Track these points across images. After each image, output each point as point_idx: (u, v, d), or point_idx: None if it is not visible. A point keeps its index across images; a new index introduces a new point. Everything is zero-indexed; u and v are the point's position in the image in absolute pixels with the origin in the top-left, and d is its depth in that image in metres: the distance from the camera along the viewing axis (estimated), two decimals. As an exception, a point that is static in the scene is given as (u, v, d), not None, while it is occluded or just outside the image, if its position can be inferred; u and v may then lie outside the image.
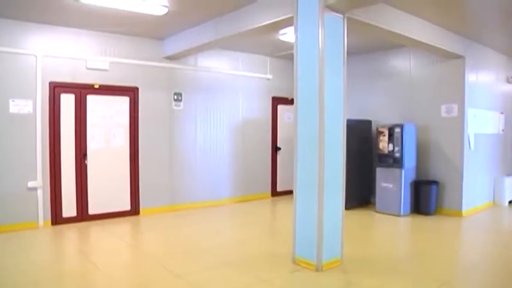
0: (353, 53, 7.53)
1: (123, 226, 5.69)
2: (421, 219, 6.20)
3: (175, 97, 6.73)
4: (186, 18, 5.34)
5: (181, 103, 6.83)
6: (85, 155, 5.79)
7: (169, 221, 6.06)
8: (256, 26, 4.69)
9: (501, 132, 7.60)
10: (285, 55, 7.84)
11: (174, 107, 6.77)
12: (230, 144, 7.55)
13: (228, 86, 7.55)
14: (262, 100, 8.11)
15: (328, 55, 3.87)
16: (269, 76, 8.00)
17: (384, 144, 6.52)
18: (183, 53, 6.19)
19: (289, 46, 6.90)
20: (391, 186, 6.43)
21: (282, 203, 7.64)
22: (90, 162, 5.83)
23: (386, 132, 6.50)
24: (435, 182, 6.49)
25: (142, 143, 6.44)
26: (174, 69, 6.75)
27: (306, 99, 3.96)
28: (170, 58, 6.60)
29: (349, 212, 6.71)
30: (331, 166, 3.94)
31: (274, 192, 8.28)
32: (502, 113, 7.60)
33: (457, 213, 6.40)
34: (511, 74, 8.00)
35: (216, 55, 7.33)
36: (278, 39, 6.52)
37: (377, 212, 6.66)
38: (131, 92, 6.26)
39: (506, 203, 7.26)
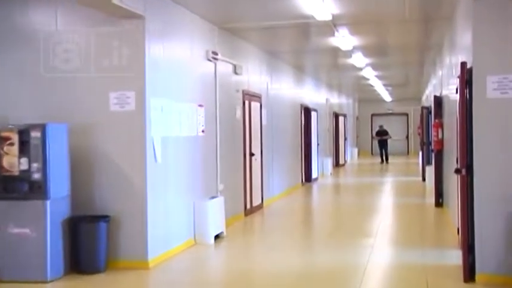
0: None
1: None
2: (83, 284, 6.73)
3: None
4: None
5: None
6: None
7: None
8: None
9: (201, 133, 9.12)
10: None
11: None
12: None
13: None
14: None
15: None
16: None
17: (12, 160, 6.73)
18: None
19: None
20: (27, 231, 6.69)
21: None
22: None
23: (16, 139, 6.72)
24: (105, 218, 7.18)
25: None
26: None
27: None
28: None
29: None
30: None
31: None
32: (201, 105, 9.12)
33: (142, 264, 7.29)
34: (214, 47, 9.69)
35: None
36: None
37: (2, 281, 6.76)
38: None
39: (212, 240, 8.77)
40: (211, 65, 9.67)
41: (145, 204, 7.27)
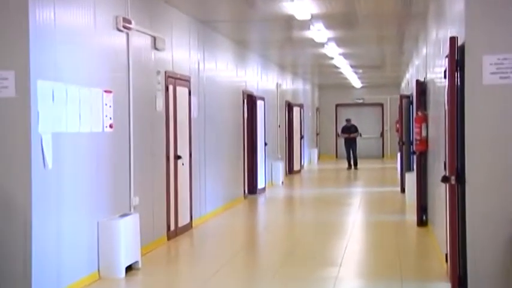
0: None
1: None
2: None
3: None
4: None
5: None
6: None
7: None
8: None
9: (109, 129, 9.06)
10: None
11: None
12: None
13: None
14: None
15: None
16: None
17: None
18: None
19: None
20: None
21: None
22: None
23: None
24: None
25: None
26: None
27: None
28: None
29: None
30: None
31: None
32: (108, 91, 9.05)
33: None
34: (126, 13, 9.56)
35: None
36: None
37: None
38: None
39: (123, 273, 8.73)
40: (122, 36, 9.56)
41: (29, 225, 7.11)
